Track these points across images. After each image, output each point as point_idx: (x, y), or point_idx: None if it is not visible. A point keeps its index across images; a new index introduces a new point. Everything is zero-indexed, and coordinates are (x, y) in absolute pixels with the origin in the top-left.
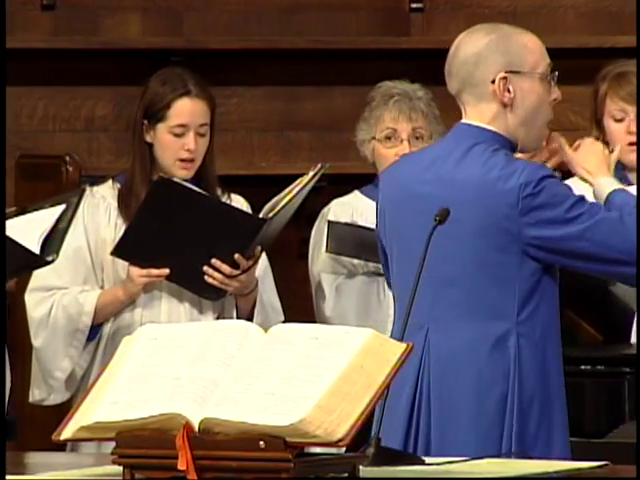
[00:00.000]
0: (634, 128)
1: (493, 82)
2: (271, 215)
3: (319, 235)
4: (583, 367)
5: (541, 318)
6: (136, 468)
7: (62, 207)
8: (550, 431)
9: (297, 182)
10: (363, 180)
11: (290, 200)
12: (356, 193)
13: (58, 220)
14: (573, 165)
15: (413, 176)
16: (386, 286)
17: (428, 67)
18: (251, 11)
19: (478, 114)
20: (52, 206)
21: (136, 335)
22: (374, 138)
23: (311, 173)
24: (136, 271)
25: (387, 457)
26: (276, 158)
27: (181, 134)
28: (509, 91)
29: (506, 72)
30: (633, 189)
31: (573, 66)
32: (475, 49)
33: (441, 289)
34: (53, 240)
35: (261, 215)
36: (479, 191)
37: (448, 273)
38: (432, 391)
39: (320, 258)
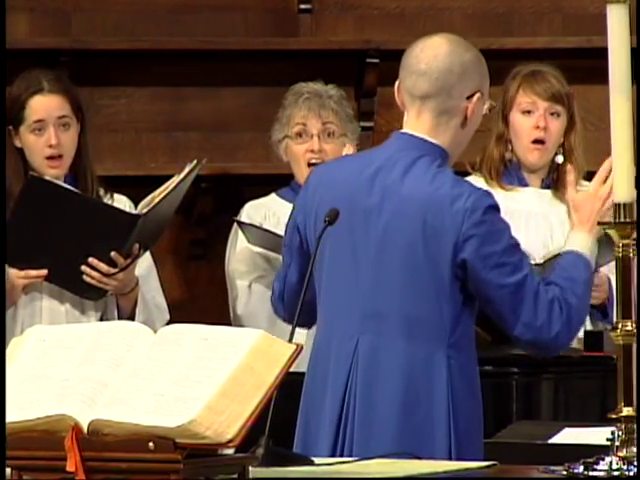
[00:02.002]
0: (542, 124)
1: (467, 99)
2: (145, 211)
3: (234, 235)
4: None
5: (468, 336)
6: (25, 470)
7: None
8: (478, 443)
9: (173, 178)
10: (252, 181)
11: (166, 196)
12: (273, 196)
13: None
14: (568, 204)
15: (355, 186)
16: None
17: (317, 68)
18: (139, 11)
19: (427, 125)
20: None
21: (24, 337)
22: (287, 136)
23: (187, 169)
24: (14, 273)
25: (277, 458)
26: (165, 158)
27: (40, 130)
28: (473, 111)
29: (480, 92)
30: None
31: None
32: (461, 61)
33: (373, 301)
34: None
35: (136, 212)
36: (426, 206)
37: (381, 285)
38: (358, 405)
39: (236, 258)
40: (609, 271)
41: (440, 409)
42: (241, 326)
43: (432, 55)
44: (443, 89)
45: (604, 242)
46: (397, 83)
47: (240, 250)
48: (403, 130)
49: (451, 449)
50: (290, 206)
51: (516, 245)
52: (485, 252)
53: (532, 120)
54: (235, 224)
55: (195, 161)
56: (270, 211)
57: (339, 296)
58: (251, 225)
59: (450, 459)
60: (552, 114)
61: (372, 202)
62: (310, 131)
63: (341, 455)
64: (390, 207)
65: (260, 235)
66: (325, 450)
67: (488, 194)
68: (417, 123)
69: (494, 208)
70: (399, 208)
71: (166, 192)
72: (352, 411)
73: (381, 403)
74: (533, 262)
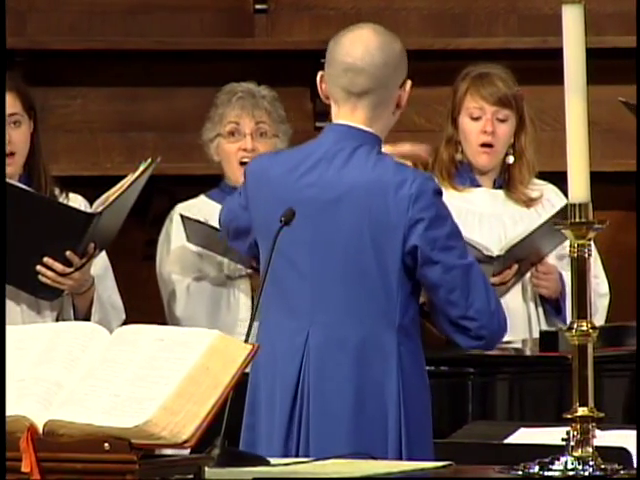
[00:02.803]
0: (490, 128)
1: (400, 87)
2: (100, 210)
3: (166, 236)
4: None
5: (416, 323)
6: None
7: None
8: (428, 436)
9: (128, 177)
10: (207, 181)
11: (120, 195)
12: (202, 197)
13: None
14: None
15: (294, 179)
16: (237, 290)
17: (273, 68)
18: (95, 12)
19: (363, 117)
20: None
21: None
22: (219, 135)
23: (141, 167)
24: None
25: (232, 458)
26: (120, 159)
27: None
28: (404, 98)
29: (407, 79)
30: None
31: (416, 68)
32: (394, 53)
33: (322, 292)
34: None
35: (91, 211)
36: (370, 194)
37: (330, 276)
38: (312, 398)
39: (170, 259)
40: (561, 268)
41: (392, 398)
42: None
43: (365, 50)
44: (381, 83)
45: (545, 231)
46: (320, 75)
47: (175, 250)
48: (338, 122)
49: (401, 438)
50: (219, 207)
51: (459, 232)
52: (432, 235)
53: (480, 125)
54: (167, 226)
55: (149, 160)
56: (200, 212)
57: (285, 290)
58: (196, 221)
59: (401, 450)
60: (499, 119)
61: (314, 194)
62: (243, 130)
63: (296, 454)
64: (332, 198)
65: (203, 232)
66: (277, 450)
67: (431, 178)
68: (352, 116)
69: (438, 192)
70: (342, 198)
71: (120, 191)
72: (305, 407)
73: (334, 397)
74: (493, 254)
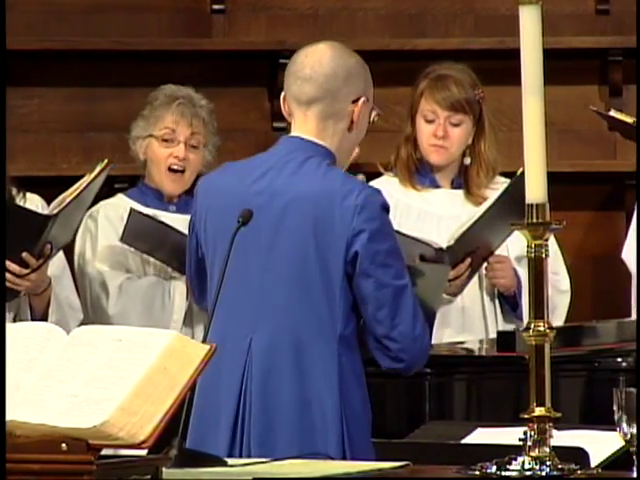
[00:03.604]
0: (441, 133)
1: (353, 102)
2: (56, 211)
3: (88, 233)
4: None
5: (357, 335)
6: None
7: None
8: (368, 440)
9: (84, 178)
10: None
11: (77, 196)
12: (120, 196)
13: None
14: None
15: (244, 187)
16: (172, 290)
17: (230, 68)
18: (52, 11)
19: (314, 128)
20: None
21: None
22: (151, 135)
23: (97, 169)
24: None
25: (190, 458)
26: (77, 159)
27: None
28: (358, 115)
29: (364, 97)
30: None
31: (373, 68)
32: (346, 65)
33: (265, 299)
34: None
35: (47, 212)
36: (316, 203)
37: (275, 283)
38: (254, 405)
39: (98, 256)
40: (518, 265)
41: (333, 406)
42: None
43: (317, 60)
44: (329, 92)
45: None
46: (283, 94)
47: (104, 248)
48: (292, 134)
49: (344, 444)
50: (138, 206)
51: (400, 252)
52: (373, 249)
53: (432, 127)
54: (88, 222)
55: (105, 160)
56: (120, 210)
57: (232, 295)
58: (147, 216)
59: (344, 455)
60: (452, 123)
61: (262, 201)
62: (178, 138)
63: (239, 455)
64: (281, 205)
65: (152, 228)
66: (222, 452)
67: (378, 192)
68: (304, 127)
69: (384, 207)
70: (290, 206)
71: (77, 192)
72: (248, 412)
73: (277, 403)
74: (444, 245)
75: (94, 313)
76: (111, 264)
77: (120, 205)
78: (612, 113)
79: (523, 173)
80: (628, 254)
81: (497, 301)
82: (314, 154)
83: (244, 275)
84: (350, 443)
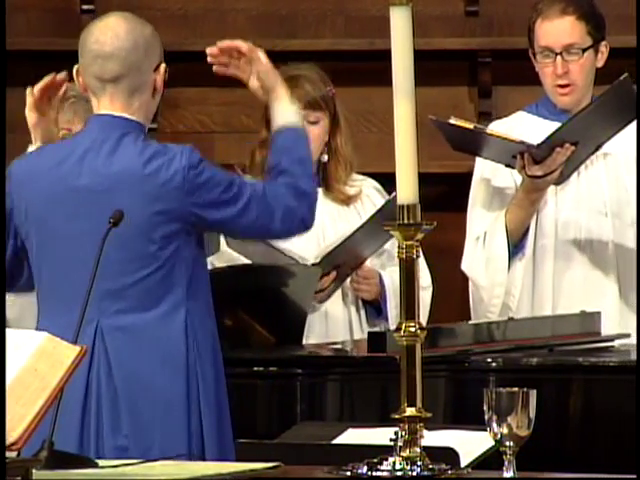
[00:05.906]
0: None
1: (154, 71)
2: None
3: None
4: (256, 368)
5: (206, 309)
6: None
7: None
8: (228, 426)
9: None
10: None
11: None
12: None
13: None
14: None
15: (63, 171)
16: None
17: None
18: None
19: (123, 104)
20: None
21: None
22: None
23: None
24: None
25: (61, 460)
26: None
27: None
28: (160, 82)
29: (162, 62)
30: None
31: None
32: (143, 37)
33: (103, 281)
34: None
35: None
36: (140, 180)
37: (115, 264)
38: (104, 391)
39: None
40: (381, 264)
41: (181, 386)
42: None
43: (114, 35)
44: (132, 67)
45: (365, 233)
46: (76, 68)
47: None
48: (100, 112)
49: (203, 433)
50: None
51: (231, 179)
52: (210, 198)
53: None
54: None
55: None
56: None
57: (66, 283)
58: None
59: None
60: (310, 121)
61: (84, 184)
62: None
63: (88, 441)
64: (105, 187)
65: None
66: (72, 446)
67: (195, 148)
68: (112, 105)
69: (204, 160)
70: (114, 187)
71: None
72: (97, 398)
73: (127, 384)
74: (309, 263)
75: None
76: None
77: None
78: (452, 120)
79: (395, 197)
80: (469, 264)
81: (361, 307)
82: (128, 130)
83: (81, 260)
84: (205, 434)
